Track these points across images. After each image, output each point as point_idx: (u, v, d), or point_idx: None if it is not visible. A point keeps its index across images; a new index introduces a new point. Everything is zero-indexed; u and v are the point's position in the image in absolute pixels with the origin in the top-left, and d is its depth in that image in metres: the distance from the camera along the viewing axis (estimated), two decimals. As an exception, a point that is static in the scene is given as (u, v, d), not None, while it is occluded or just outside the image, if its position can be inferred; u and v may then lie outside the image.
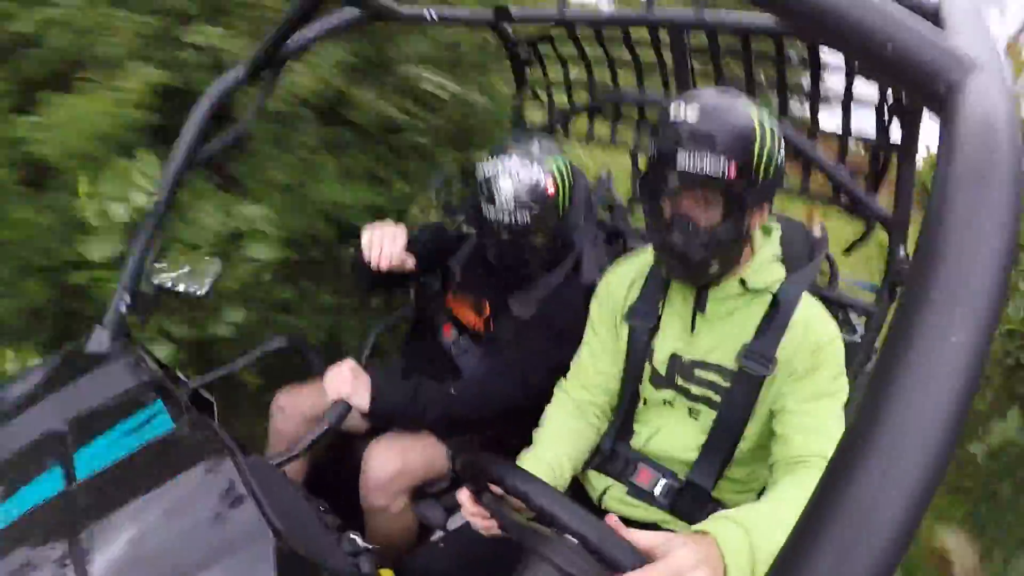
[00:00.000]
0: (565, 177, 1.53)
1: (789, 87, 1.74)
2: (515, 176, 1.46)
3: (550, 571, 0.86)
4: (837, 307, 1.70)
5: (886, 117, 1.56)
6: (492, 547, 1.16)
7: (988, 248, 0.42)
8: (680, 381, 1.24)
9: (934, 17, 0.58)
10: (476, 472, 1.00)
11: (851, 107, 1.63)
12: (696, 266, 1.14)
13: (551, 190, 1.49)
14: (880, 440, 0.38)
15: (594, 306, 1.38)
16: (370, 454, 1.56)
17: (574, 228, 1.77)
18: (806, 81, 1.75)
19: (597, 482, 1.35)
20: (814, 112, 1.74)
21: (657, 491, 1.26)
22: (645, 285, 1.31)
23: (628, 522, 1.24)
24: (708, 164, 1.03)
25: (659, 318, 1.27)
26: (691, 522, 1.24)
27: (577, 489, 1.38)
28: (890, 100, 1.50)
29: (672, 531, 1.24)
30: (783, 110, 1.80)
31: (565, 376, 1.40)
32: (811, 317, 1.19)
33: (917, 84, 0.48)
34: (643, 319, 1.28)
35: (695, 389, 1.23)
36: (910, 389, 0.39)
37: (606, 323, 1.35)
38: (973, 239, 0.42)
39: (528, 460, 1.20)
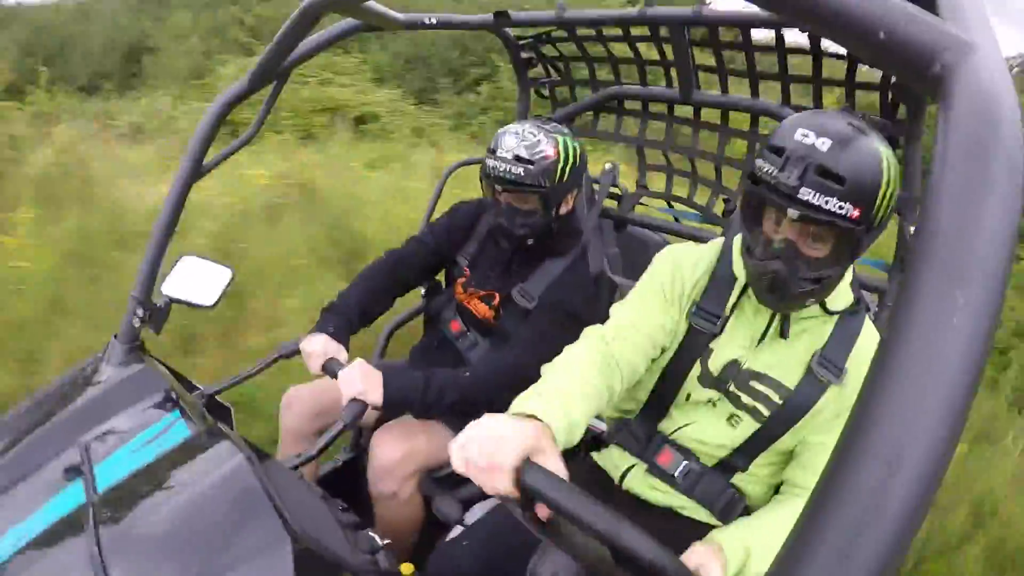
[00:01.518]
0: (570, 152, 1.62)
1: (790, 74, 1.74)
2: (520, 133, 1.58)
3: (565, 559, 0.86)
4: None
5: (890, 98, 1.56)
6: (514, 541, 1.17)
7: (989, 227, 0.41)
8: (732, 387, 1.22)
9: (931, 1, 0.58)
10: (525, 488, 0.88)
11: (855, 91, 1.63)
12: (792, 298, 1.11)
13: (550, 154, 1.58)
14: (884, 425, 0.38)
15: (656, 278, 1.28)
16: (376, 441, 1.59)
17: (581, 219, 1.79)
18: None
19: (620, 460, 1.34)
20: (817, 97, 1.74)
21: (677, 473, 1.26)
22: (712, 283, 1.25)
23: (648, 505, 1.27)
24: (834, 205, 0.98)
25: (724, 322, 1.23)
26: (710, 507, 1.25)
27: (593, 467, 1.39)
28: (893, 82, 1.50)
29: (690, 518, 1.27)
30: (785, 98, 1.80)
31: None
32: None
33: (912, 67, 0.48)
34: (707, 322, 1.23)
35: (746, 398, 1.21)
36: (913, 371, 0.39)
37: (661, 300, 1.26)
38: (974, 218, 0.41)
39: (552, 415, 1.00)
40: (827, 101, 1.74)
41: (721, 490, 1.25)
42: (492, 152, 1.58)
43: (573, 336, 1.43)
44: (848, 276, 1.20)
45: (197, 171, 1.54)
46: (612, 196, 2.16)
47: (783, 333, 1.20)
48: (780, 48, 1.65)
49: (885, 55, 0.49)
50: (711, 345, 1.24)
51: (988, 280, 0.40)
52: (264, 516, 0.93)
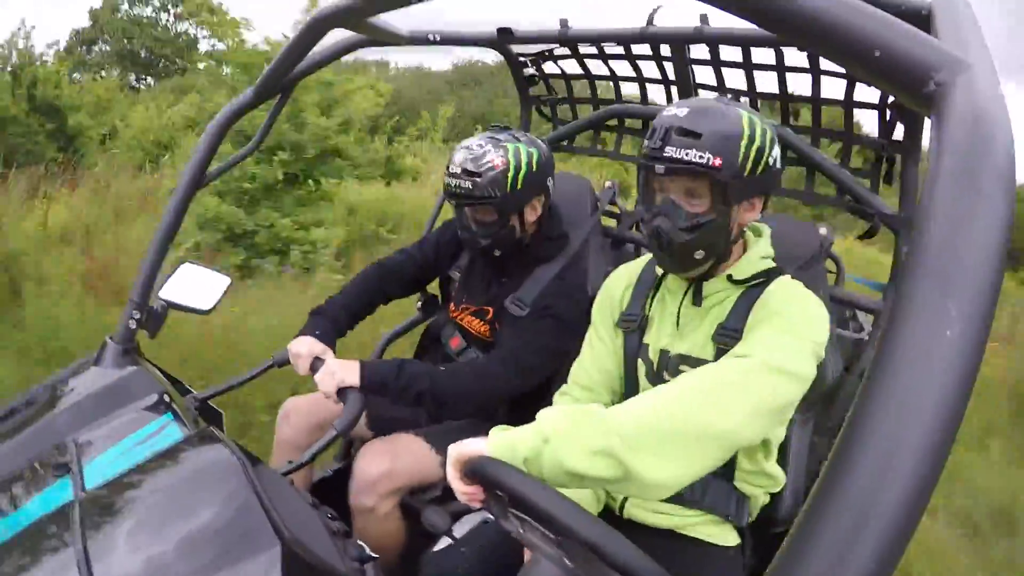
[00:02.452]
0: (522, 159, 1.60)
1: (790, 93, 1.75)
2: (470, 148, 1.59)
3: (555, 570, 0.86)
4: (845, 306, 1.69)
5: (888, 117, 1.57)
6: (504, 552, 1.16)
7: (981, 241, 0.42)
8: (667, 376, 1.25)
9: (926, 21, 0.58)
10: (495, 485, 0.88)
11: (853, 109, 1.64)
12: (680, 250, 1.17)
13: (497, 163, 1.57)
14: (877, 436, 0.38)
15: (595, 309, 1.40)
16: (361, 455, 1.60)
17: (570, 225, 1.80)
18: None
19: None
20: (816, 116, 1.75)
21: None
22: (635, 288, 1.34)
23: (648, 529, 1.26)
24: (693, 155, 1.10)
25: (645, 319, 1.31)
26: (713, 511, 1.24)
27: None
28: (891, 100, 1.51)
29: (692, 537, 1.25)
30: (785, 118, 1.81)
31: (566, 370, 1.39)
32: (781, 286, 1.19)
33: (907, 85, 0.49)
34: (630, 322, 1.32)
35: None
36: (907, 381, 0.39)
37: (607, 324, 1.37)
38: (966, 232, 0.42)
39: None
40: (826, 119, 1.75)
41: (719, 490, 1.24)
42: (447, 167, 1.60)
43: (560, 343, 1.44)
44: (761, 251, 1.24)
45: (200, 180, 1.56)
46: (611, 215, 2.16)
47: (698, 300, 1.24)
48: (780, 67, 1.67)
49: (880, 73, 0.50)
50: (645, 340, 1.29)
51: (980, 293, 0.40)
52: (254, 519, 0.92)
